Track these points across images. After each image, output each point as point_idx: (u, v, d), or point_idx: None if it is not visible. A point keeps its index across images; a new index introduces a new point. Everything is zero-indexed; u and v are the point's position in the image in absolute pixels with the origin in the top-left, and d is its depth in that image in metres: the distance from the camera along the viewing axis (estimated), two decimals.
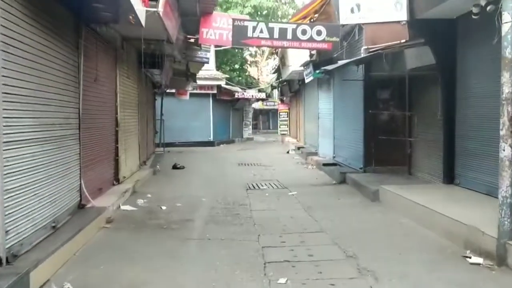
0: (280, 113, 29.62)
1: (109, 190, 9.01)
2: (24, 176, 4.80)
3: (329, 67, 11.56)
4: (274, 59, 42.04)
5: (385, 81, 11.04)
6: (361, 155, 11.61)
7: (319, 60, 15.10)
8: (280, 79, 25.58)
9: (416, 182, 9.67)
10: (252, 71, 40.71)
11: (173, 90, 22.78)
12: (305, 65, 15.84)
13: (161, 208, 8.37)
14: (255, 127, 48.50)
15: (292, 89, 25.39)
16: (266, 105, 53.17)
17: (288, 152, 20.92)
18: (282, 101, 30.73)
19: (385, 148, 11.08)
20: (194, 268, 5.12)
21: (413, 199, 7.46)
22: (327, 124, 15.85)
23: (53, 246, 4.96)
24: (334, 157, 14.80)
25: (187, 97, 22.53)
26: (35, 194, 5.08)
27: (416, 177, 10.40)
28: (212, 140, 27.13)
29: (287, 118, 29.40)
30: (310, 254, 5.59)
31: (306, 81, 16.48)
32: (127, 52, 10.86)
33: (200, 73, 24.92)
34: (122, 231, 6.64)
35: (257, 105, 43.35)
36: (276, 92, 48.05)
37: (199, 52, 13.47)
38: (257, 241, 6.22)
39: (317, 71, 12.74)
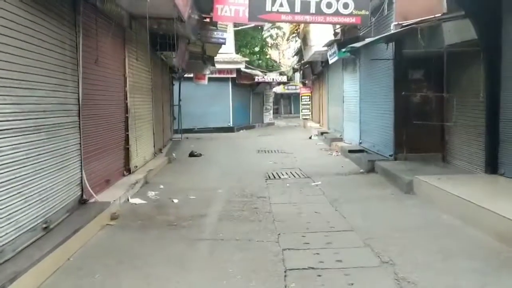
0: (302, 97, 28.66)
1: (118, 181, 8.36)
2: (3, 172, 4.12)
3: (357, 45, 10.60)
4: (296, 41, 41.03)
5: (418, 60, 10.02)
6: (391, 141, 10.67)
7: (344, 39, 14.13)
8: (302, 61, 24.56)
9: (454, 172, 8.72)
10: (273, 54, 39.70)
11: (191, 75, 22.09)
12: (329, 45, 14.86)
13: (172, 201, 7.68)
14: (276, 112, 47.60)
15: (314, 71, 24.38)
16: (288, 89, 52.22)
17: (310, 138, 20.05)
18: (304, 84, 29.72)
19: (417, 134, 10.15)
20: (202, 279, 4.38)
21: (454, 192, 6.56)
22: (352, 107, 14.90)
23: (40, 252, 4.30)
24: (360, 143, 13.88)
25: (205, 81, 21.77)
26: (19, 192, 4.40)
27: (453, 165, 9.46)
28: (231, 125, 26.42)
29: (309, 102, 28.44)
30: (338, 260, 4.80)
31: (330, 62, 15.52)
32: (137, 33, 10.11)
33: (219, 57, 24.14)
34: (126, 230, 5.96)
35: (279, 89, 42.38)
36: (297, 75, 47.10)
37: (215, 33, 12.64)
38: (277, 241, 5.46)
39: (343, 50, 11.75)
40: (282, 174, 10.62)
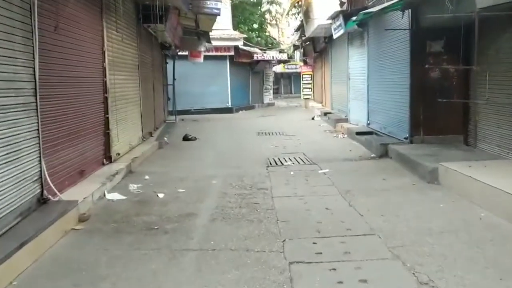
0: (303, 76, 27.36)
1: (95, 172, 7.24)
2: None
3: (372, 10, 9.28)
4: (296, 18, 39.48)
5: (438, 30, 8.80)
6: (406, 122, 9.50)
7: (351, 10, 12.83)
8: (303, 38, 23.21)
9: (482, 157, 7.57)
10: (272, 32, 38.22)
11: (186, 53, 20.80)
12: (334, 17, 13.56)
13: (157, 196, 6.56)
14: (276, 92, 46.26)
15: (316, 48, 23.03)
16: (288, 68, 50.72)
17: (313, 119, 18.88)
18: (305, 62, 28.37)
19: (436, 113, 9.05)
20: None
21: (493, 184, 5.44)
22: (359, 85, 13.69)
23: None
24: (368, 124, 12.72)
25: (201, 59, 20.48)
26: None
27: (479, 149, 8.33)
28: (230, 106, 25.20)
29: (310, 81, 27.16)
30: (362, 279, 3.70)
31: (335, 36, 14.24)
32: (118, 2, 8.86)
33: (215, 33, 22.82)
34: (95, 237, 4.84)
35: (278, 69, 40.98)
36: (298, 54, 45.59)
37: (208, 2, 11.35)
38: (281, 251, 4.36)
39: (354, 19, 10.40)
40: (285, 160, 9.49)
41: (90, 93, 7.31)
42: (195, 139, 13.13)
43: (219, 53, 24.33)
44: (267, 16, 32.14)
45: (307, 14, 17.12)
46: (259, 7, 29.49)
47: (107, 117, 8.05)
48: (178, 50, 20.03)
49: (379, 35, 11.44)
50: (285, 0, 37.07)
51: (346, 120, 14.90)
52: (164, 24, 10.96)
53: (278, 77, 49.26)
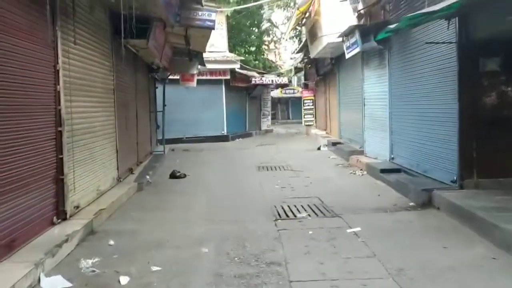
0: (305, 101, 25.46)
1: (36, 239, 5.09)
2: None
3: (411, 15, 7.17)
4: (294, 41, 37.88)
5: (496, 44, 6.88)
6: (453, 160, 7.40)
7: (370, 25, 10.95)
8: (305, 60, 21.35)
9: None
10: (269, 56, 36.53)
11: (178, 77, 18.85)
12: (348, 33, 11.63)
13: (119, 281, 4.40)
14: (273, 117, 44.28)
15: (320, 71, 21.18)
16: (285, 93, 48.94)
17: (319, 149, 16.82)
18: (306, 86, 26.53)
19: (495, 149, 7.02)
20: None
21: None
22: (378, 112, 11.69)
23: None
24: (392, 158, 10.67)
25: (194, 83, 18.52)
26: None
27: None
28: (225, 134, 23.17)
29: (312, 107, 25.26)
30: None
31: (348, 55, 12.29)
32: (83, 8, 6.87)
33: (210, 55, 21.01)
34: None
35: (275, 93, 39.20)
36: (295, 79, 43.90)
37: (199, 12, 9.38)
38: None
39: (386, 31, 8.26)
40: (297, 209, 7.37)
41: (32, 127, 5.20)
42: (184, 176, 11.01)
43: (214, 77, 22.48)
44: (265, 38, 30.35)
45: (313, 33, 15.25)
46: (257, 29, 27.75)
47: (61, 158, 5.92)
48: (168, 74, 18.09)
49: (406, 53, 9.48)
50: (282, 20, 35.64)
51: (361, 153, 12.83)
52: (146, 39, 8.95)
53: (275, 102, 47.47)
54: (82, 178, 6.73)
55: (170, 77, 19.10)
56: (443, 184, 7.57)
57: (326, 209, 7.33)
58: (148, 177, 10.20)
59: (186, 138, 21.80)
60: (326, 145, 16.91)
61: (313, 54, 16.53)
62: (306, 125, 25.72)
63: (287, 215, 7.07)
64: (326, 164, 13.05)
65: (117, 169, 9.05)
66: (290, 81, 31.99)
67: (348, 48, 12.20)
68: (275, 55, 40.17)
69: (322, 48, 14.38)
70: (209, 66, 20.41)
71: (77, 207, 6.41)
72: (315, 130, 23.91)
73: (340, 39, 12.63)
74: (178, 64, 14.84)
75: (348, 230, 6.06)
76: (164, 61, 13.08)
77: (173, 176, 10.94)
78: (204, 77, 21.84)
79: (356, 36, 11.09)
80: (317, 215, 7.00)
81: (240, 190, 9.42)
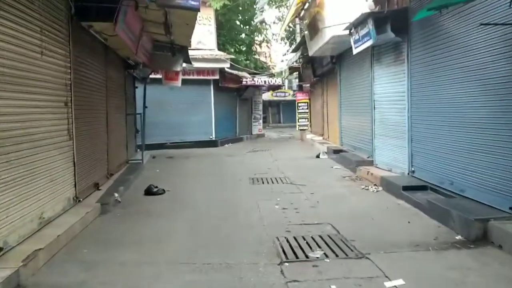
0: (299, 104, 23.69)
1: None
2: None
3: None
4: (285, 43, 36.12)
5: None
6: None
7: (387, 12, 9.19)
8: (301, 58, 19.57)
9: None
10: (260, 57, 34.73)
11: (161, 76, 16.98)
12: (358, 23, 9.85)
13: None
14: (264, 121, 42.55)
15: (317, 71, 19.43)
16: (276, 95, 47.52)
17: (318, 157, 15.04)
18: (301, 88, 24.76)
19: None
20: None
21: None
22: (393, 117, 9.92)
23: None
24: (412, 171, 8.92)
25: (178, 83, 16.60)
26: None
27: None
28: (214, 138, 21.29)
29: (307, 110, 23.51)
30: None
31: (356, 50, 10.51)
32: None
33: (197, 53, 19.20)
34: None
35: (266, 96, 37.45)
36: (286, 82, 42.12)
37: None
38: None
39: (429, 7, 6.35)
40: (308, 243, 5.56)
41: None
42: (162, 192, 9.13)
43: (201, 77, 20.59)
44: (257, 38, 28.50)
45: (313, 26, 13.46)
46: (248, 26, 25.91)
47: None
48: (149, 72, 16.19)
49: (435, 44, 7.73)
50: (273, 20, 33.93)
51: (371, 163, 11.06)
52: (113, 22, 7.07)
53: (266, 105, 45.67)
54: (12, 205, 4.84)
55: (153, 76, 17.27)
56: (495, 210, 5.80)
57: (345, 244, 5.53)
58: (116, 194, 8.27)
59: (170, 143, 19.93)
60: (326, 153, 15.15)
61: (312, 51, 14.74)
62: (300, 129, 23.96)
63: (295, 254, 5.23)
64: (331, 175, 11.25)
65: (75, 186, 7.14)
66: (283, 83, 30.18)
67: (356, 42, 10.43)
68: (265, 57, 38.44)
69: (324, 43, 12.58)
70: (196, 64, 18.58)
71: (1, 248, 4.51)
72: (310, 135, 22.15)
73: (347, 31, 10.87)
74: (160, 59, 12.93)
75: (388, 285, 4.24)
76: (142, 55, 11.19)
77: (149, 192, 9.05)
78: (190, 77, 19.97)
79: (369, 26, 9.32)
80: (336, 255, 5.17)
81: (231, 212, 7.55)
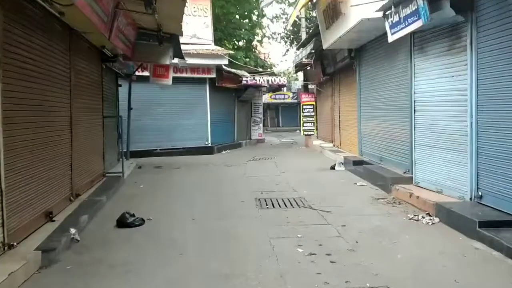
0: (304, 107, 21.34)
1: None
2: None
3: None
4: (286, 41, 33.84)
5: None
6: None
7: None
8: (313, 54, 17.21)
9: None
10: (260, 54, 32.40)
11: (148, 73, 14.65)
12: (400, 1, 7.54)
13: None
14: (262, 125, 40.30)
15: (327, 69, 17.10)
16: (275, 98, 45.25)
17: (333, 168, 12.70)
18: (306, 89, 22.44)
19: None
20: None
21: None
22: (447, 122, 7.55)
23: None
24: (479, 197, 6.58)
25: (168, 80, 14.26)
26: None
27: None
28: (210, 145, 18.92)
29: (313, 113, 21.19)
30: None
31: (395, 36, 8.14)
32: None
33: (191, 48, 16.89)
34: None
35: (264, 99, 35.13)
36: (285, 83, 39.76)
37: None
38: None
39: None
40: None
41: None
42: (140, 223, 6.74)
43: (196, 75, 18.23)
44: (257, 34, 26.11)
45: (331, 12, 11.10)
46: (248, 20, 23.55)
47: None
48: (133, 66, 13.87)
49: None
50: (274, 14, 31.69)
51: (410, 181, 8.71)
52: None
53: (264, 108, 43.34)
54: None
55: (140, 73, 14.98)
56: None
57: None
58: (73, 231, 5.84)
59: (160, 150, 17.57)
60: (343, 164, 12.80)
61: (327, 43, 12.36)
62: (305, 134, 21.61)
63: None
64: (358, 196, 8.88)
65: (2, 225, 4.73)
66: (289, 82, 27.88)
67: (395, 25, 8.09)
68: (264, 56, 36.14)
69: (348, 30, 10.15)
70: (190, 60, 16.34)
71: None
72: (317, 141, 19.82)
73: (380, 14, 8.54)
74: (144, 50, 10.59)
75: None
76: (120, 42, 8.84)
77: (123, 223, 6.65)
78: (183, 75, 17.65)
79: (419, 2, 6.98)
80: None
81: (235, 261, 5.16)
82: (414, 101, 8.64)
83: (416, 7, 7.11)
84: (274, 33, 35.11)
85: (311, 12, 26.79)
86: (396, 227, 6.53)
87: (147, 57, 11.11)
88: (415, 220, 6.81)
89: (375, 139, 11.52)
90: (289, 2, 29.89)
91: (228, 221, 7.00)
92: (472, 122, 6.78)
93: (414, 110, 8.65)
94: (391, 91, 10.12)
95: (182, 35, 10.84)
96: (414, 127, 8.68)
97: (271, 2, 17.66)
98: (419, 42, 8.43)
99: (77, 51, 8.11)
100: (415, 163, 8.68)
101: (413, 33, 8.33)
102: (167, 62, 11.15)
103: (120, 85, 14.46)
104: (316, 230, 6.39)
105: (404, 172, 9.19)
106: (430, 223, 6.58)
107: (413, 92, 8.69)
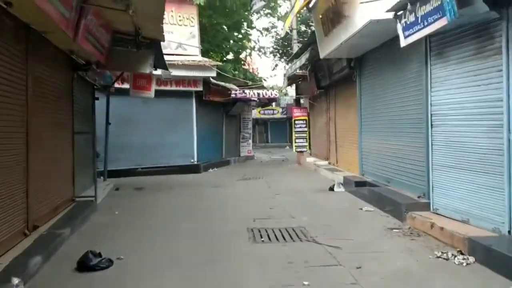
0: (296, 122, 20.22)
1: None
2: None
3: None
4: (275, 55, 32.87)
5: None
6: None
7: None
8: (307, 65, 16.12)
9: None
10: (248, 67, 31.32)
11: (128, 86, 13.43)
12: None
13: None
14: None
15: (322, 82, 16.00)
16: (264, 113, 44.30)
17: (332, 189, 11.50)
18: (298, 103, 21.34)
19: None
20: None
21: None
22: (476, 139, 6.38)
23: None
24: None
25: (150, 93, 13.04)
26: None
27: None
28: (196, 162, 17.59)
29: (305, 129, 20.07)
30: None
31: (410, 39, 7.01)
32: None
33: (177, 59, 15.73)
34: None
35: (253, 114, 34.02)
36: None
37: None
38: None
39: None
40: None
41: None
42: (107, 265, 5.45)
43: (181, 88, 17.00)
44: (246, 46, 25.02)
45: (332, 16, 9.99)
46: (237, 32, 22.47)
47: None
48: (112, 77, 12.64)
49: None
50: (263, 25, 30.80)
51: (427, 207, 7.51)
52: None
53: (253, 123, 42.29)
54: None
55: (120, 85, 13.80)
56: None
57: None
58: (16, 281, 4.48)
59: (142, 169, 16.20)
60: (342, 184, 11.62)
61: (325, 51, 11.24)
62: (297, 151, 20.43)
63: None
64: (367, 224, 7.66)
65: None
66: (286, 93, 26.90)
67: (410, 27, 6.98)
68: (253, 70, 35.09)
69: (351, 35, 9.01)
70: (175, 72, 15.15)
71: None
72: (311, 159, 18.63)
73: (390, 15, 7.44)
74: (120, 57, 9.36)
75: None
76: (90, 45, 7.59)
77: (84, 266, 5.32)
78: (168, 88, 16.43)
79: None
80: None
81: None
82: (431, 114, 7.49)
83: (439, 2, 5.99)
84: (263, 47, 34.14)
85: (300, 26, 25.97)
86: (423, 269, 5.29)
87: (124, 65, 9.86)
88: (444, 259, 5.58)
89: (381, 158, 10.34)
90: (278, 16, 29.05)
91: (216, 264, 5.67)
92: (510, 139, 5.63)
93: (431, 125, 7.49)
94: (401, 103, 8.99)
95: (163, 40, 9.62)
96: (431, 144, 7.51)
97: (262, 6, 16.49)
98: (437, 46, 7.31)
99: (37, 55, 6.84)
100: (432, 187, 7.49)
101: (429, 37, 7.23)
102: (147, 71, 9.89)
103: (97, 98, 13.15)
104: (326, 274, 5.14)
105: (419, 197, 7.99)
106: (464, 264, 5.36)
107: (429, 104, 7.54)
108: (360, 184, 10.56)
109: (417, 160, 8.23)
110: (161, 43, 9.84)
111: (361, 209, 8.94)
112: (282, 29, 24.27)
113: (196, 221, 8.23)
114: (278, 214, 8.64)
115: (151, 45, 9.65)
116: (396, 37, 7.56)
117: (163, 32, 8.99)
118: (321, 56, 11.68)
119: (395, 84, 9.27)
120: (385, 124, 9.98)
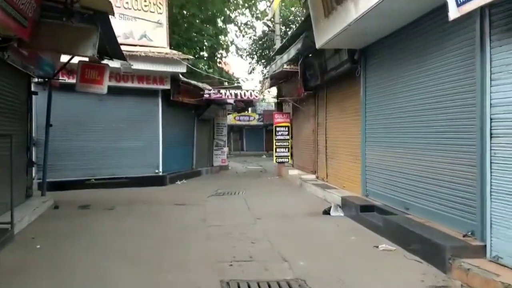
0: (277, 129, 17.88)
1: None
2: None
3: None
4: (253, 55, 30.69)
5: None
6: None
7: None
8: (291, 61, 13.77)
9: None
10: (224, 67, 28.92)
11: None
12: None
13: None
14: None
15: (311, 82, 13.66)
16: (239, 119, 42.08)
17: (327, 213, 9.16)
18: (280, 107, 19.00)
19: None
20: None
21: None
22: None
23: None
24: None
25: (102, 88, 10.34)
26: None
27: None
28: (161, 173, 14.98)
29: (287, 137, 17.78)
30: None
31: (465, 8, 4.77)
32: None
33: (139, 50, 13.22)
34: None
35: (228, 120, 31.66)
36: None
37: None
38: None
39: None
40: None
41: None
42: None
43: (145, 85, 14.40)
44: (224, 39, 22.59)
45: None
46: (212, 27, 20.01)
47: None
48: (54, 66, 10.06)
49: None
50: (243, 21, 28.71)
51: (481, 251, 5.19)
52: None
53: (228, 130, 39.84)
54: None
55: (69, 79, 11.23)
56: None
57: None
58: None
59: (95, 180, 13.51)
60: (340, 207, 9.27)
61: (324, 39, 8.85)
62: (278, 162, 18.07)
63: None
64: (395, 277, 5.26)
65: None
66: (263, 98, 24.77)
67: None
68: (229, 70, 32.77)
69: (369, 9, 6.67)
70: (137, 66, 12.68)
71: None
72: (294, 171, 16.25)
73: None
74: (51, 32, 6.77)
75: None
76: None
77: None
78: (129, 84, 13.85)
79: None
80: None
81: None
82: (491, 119, 5.18)
83: None
84: (240, 49, 31.94)
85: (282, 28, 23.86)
86: None
87: (57, 44, 7.19)
88: None
89: (395, 176, 8.00)
90: (256, 14, 26.99)
91: None
92: None
93: (491, 134, 5.18)
94: (432, 105, 6.68)
95: (113, 13, 7.08)
96: (490, 162, 5.19)
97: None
98: (505, 19, 5.02)
99: None
100: (491, 223, 5.17)
101: (489, 6, 4.97)
102: (89, 54, 7.25)
103: (35, 93, 10.54)
104: None
105: (465, 235, 5.65)
106: None
107: (486, 105, 5.23)
108: (366, 208, 8.21)
109: (461, 182, 5.91)
110: (123, 32, 7.34)
111: (377, 247, 6.55)
112: (269, 9, 21.90)
113: (147, 266, 5.66)
114: (264, 254, 6.19)
115: (95, 19, 7.10)
116: (422, 18, 5.29)
117: (111, 4, 6.46)
118: (318, 45, 9.30)
119: (422, 79, 6.96)
120: (403, 133, 7.64)
